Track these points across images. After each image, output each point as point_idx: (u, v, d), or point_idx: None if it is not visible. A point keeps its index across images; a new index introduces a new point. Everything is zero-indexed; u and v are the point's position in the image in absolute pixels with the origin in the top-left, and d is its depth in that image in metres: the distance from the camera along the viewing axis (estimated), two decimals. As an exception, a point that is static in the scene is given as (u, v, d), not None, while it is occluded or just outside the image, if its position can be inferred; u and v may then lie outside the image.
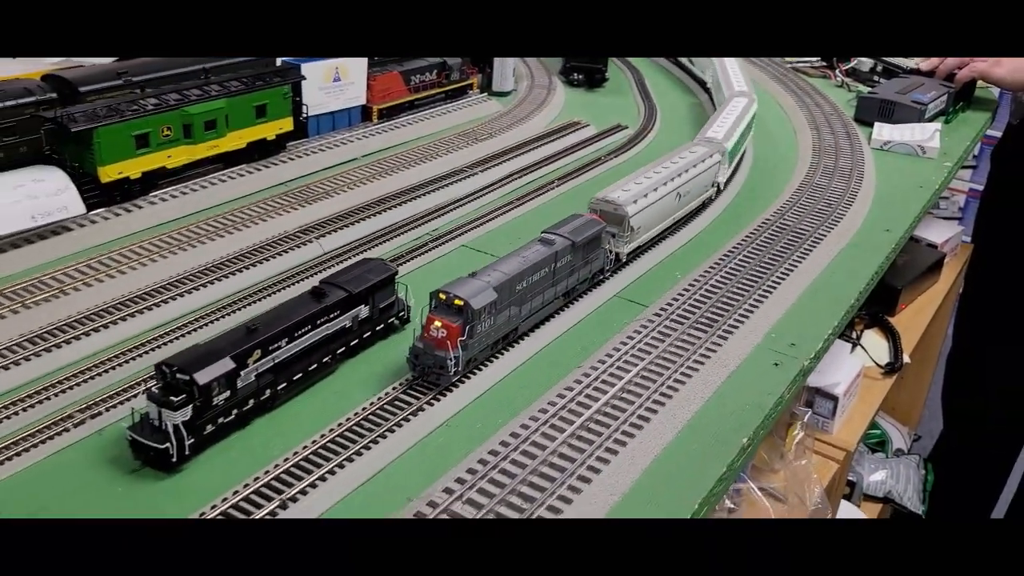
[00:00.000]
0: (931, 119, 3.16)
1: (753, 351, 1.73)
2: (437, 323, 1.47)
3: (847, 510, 3.02)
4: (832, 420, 2.55)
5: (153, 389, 1.31)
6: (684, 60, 3.63)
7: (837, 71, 3.69)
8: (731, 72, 3.03)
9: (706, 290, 1.91)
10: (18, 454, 1.30)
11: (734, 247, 2.13)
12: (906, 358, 2.99)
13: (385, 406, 1.45)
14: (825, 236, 2.23)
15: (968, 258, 3.79)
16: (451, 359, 1.46)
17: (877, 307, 3.15)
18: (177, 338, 1.59)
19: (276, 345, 1.43)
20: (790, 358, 1.72)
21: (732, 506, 2.11)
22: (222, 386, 1.33)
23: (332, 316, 1.53)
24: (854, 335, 2.95)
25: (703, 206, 2.31)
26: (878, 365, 2.88)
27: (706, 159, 2.25)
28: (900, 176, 2.73)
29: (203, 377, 1.29)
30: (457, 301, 1.48)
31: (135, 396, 1.42)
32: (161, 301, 1.69)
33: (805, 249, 2.14)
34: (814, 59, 3.86)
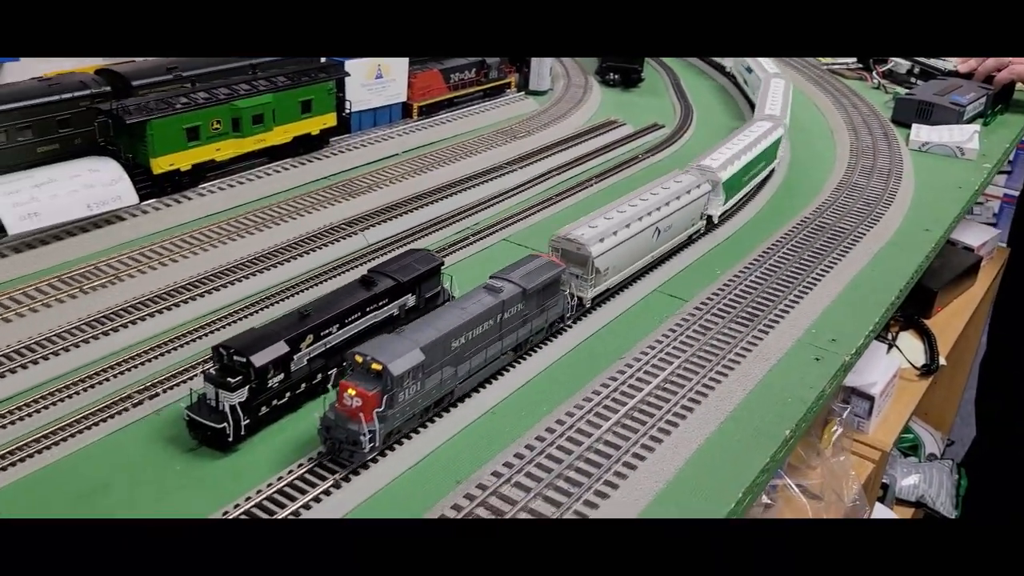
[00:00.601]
0: (969, 121, 3.14)
1: (794, 345, 1.74)
2: (351, 391, 1.27)
3: (880, 512, 3.01)
4: (868, 420, 2.55)
5: (211, 370, 1.35)
6: (737, 77, 3.59)
7: (874, 73, 3.67)
8: (770, 93, 2.84)
9: (746, 286, 1.92)
10: (80, 432, 1.35)
11: (773, 244, 2.14)
12: (942, 360, 2.97)
13: (432, 392, 1.48)
14: (864, 235, 2.24)
15: (1004, 262, 3.76)
16: (365, 434, 1.27)
17: (913, 309, 3.14)
18: (231, 323, 1.63)
19: (328, 331, 1.46)
20: (831, 353, 1.73)
21: (769, 502, 2.12)
22: (277, 369, 1.37)
23: (381, 304, 1.56)
24: (890, 336, 2.94)
25: (690, 240, 2.08)
26: (914, 366, 2.88)
27: (692, 189, 2.01)
28: (938, 177, 2.72)
29: (259, 360, 1.33)
30: (375, 365, 1.28)
31: (191, 378, 1.46)
32: (213, 288, 1.74)
33: (844, 247, 2.15)
34: (850, 61, 3.85)
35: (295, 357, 1.40)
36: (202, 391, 1.35)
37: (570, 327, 1.72)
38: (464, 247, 2.03)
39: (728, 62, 3.60)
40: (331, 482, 1.27)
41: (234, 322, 1.63)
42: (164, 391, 1.44)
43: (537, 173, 2.48)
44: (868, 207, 2.40)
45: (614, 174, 2.53)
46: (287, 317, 1.44)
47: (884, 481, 3.29)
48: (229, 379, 1.32)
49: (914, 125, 3.05)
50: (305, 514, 1.22)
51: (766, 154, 2.40)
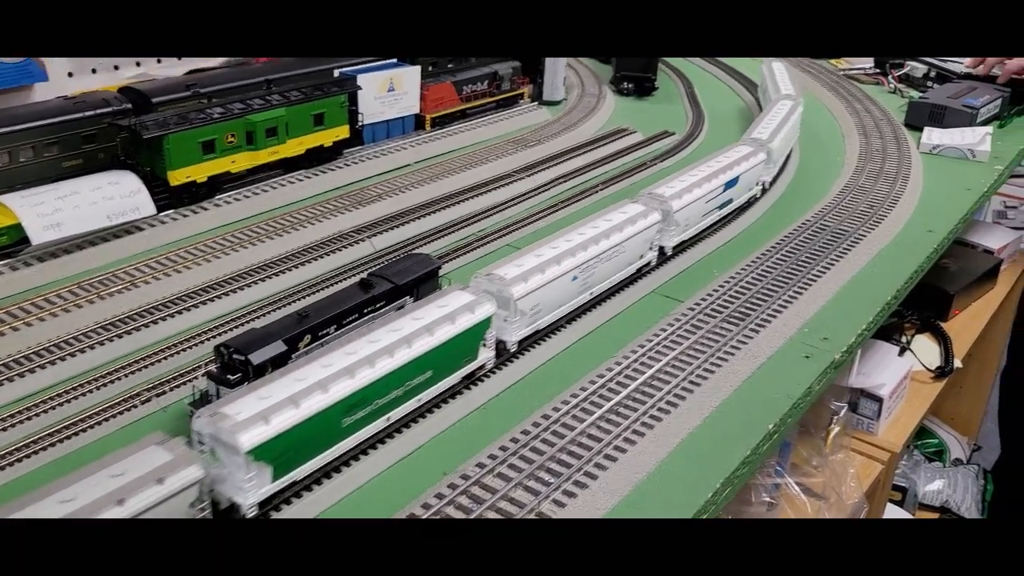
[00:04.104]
0: (984, 123, 3.14)
1: (785, 344, 1.77)
2: None
3: (893, 515, 3.01)
4: (877, 421, 2.56)
5: (212, 368, 1.43)
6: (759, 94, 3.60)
7: (889, 77, 3.68)
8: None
9: (742, 286, 1.96)
10: (91, 427, 1.43)
11: (773, 245, 2.17)
12: (958, 363, 2.97)
13: (426, 389, 1.54)
14: (866, 236, 2.26)
15: (1027, 266, 3.73)
16: None
17: (929, 312, 3.14)
18: (239, 326, 1.71)
19: (325, 331, 1.53)
20: (822, 351, 1.77)
21: (772, 501, 2.15)
22: (275, 367, 1.44)
23: (378, 306, 1.63)
24: (904, 339, 2.95)
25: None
26: (928, 369, 2.87)
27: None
28: (948, 179, 2.73)
29: (257, 357, 1.41)
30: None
31: (196, 377, 1.54)
32: (224, 294, 1.82)
33: (845, 248, 2.18)
34: (867, 66, 3.86)
35: (293, 356, 1.48)
36: (205, 388, 1.43)
37: (557, 333, 1.76)
38: (468, 252, 2.10)
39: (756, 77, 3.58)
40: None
41: (243, 324, 1.71)
42: (171, 389, 1.52)
43: (544, 181, 2.54)
44: (872, 209, 2.42)
45: (618, 181, 2.58)
46: (287, 318, 1.52)
47: (902, 484, 3.29)
48: (229, 376, 1.40)
49: (926, 128, 3.06)
50: (284, 509, 1.28)
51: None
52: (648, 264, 1.97)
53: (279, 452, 1.21)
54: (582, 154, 2.75)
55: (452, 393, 1.54)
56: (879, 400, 2.53)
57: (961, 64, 3.56)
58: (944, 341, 3.03)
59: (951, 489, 3.68)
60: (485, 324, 1.52)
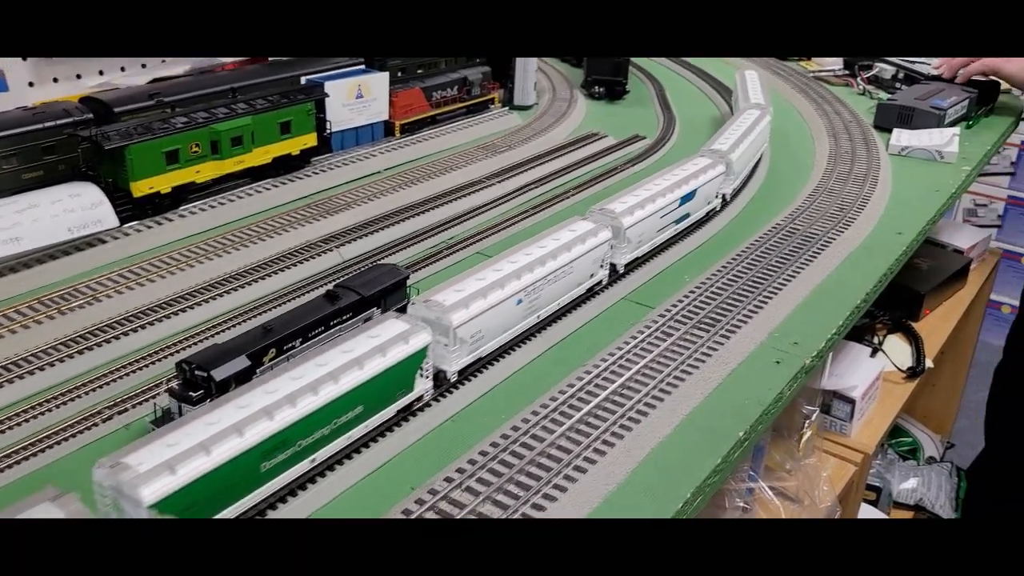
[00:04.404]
0: (951, 124, 3.16)
1: (756, 349, 1.77)
2: None
3: (867, 515, 3.02)
4: (850, 423, 2.57)
5: (174, 385, 1.40)
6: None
7: (859, 79, 3.70)
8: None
9: (712, 292, 1.96)
10: (50, 447, 1.40)
11: (743, 250, 2.17)
12: (929, 363, 2.99)
13: (394, 402, 1.52)
14: (835, 239, 2.27)
15: (996, 264, 3.77)
16: None
17: (900, 312, 3.16)
18: (203, 339, 1.68)
19: (290, 345, 1.51)
20: (792, 356, 1.76)
21: (745, 506, 2.15)
22: (239, 382, 1.41)
23: (345, 318, 1.61)
24: (876, 340, 2.96)
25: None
26: (900, 369, 2.89)
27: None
28: (916, 181, 2.74)
29: (220, 374, 1.38)
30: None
31: (158, 394, 1.51)
32: (188, 307, 1.79)
33: (814, 251, 2.18)
34: (836, 67, 3.88)
35: (258, 371, 1.45)
36: (167, 406, 1.40)
37: (531, 340, 1.75)
38: (438, 260, 2.08)
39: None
40: (288, 490, 1.31)
41: (208, 338, 1.68)
42: (134, 406, 1.49)
43: (516, 186, 2.53)
44: (842, 211, 2.43)
45: (590, 187, 2.57)
46: (251, 332, 1.49)
47: (876, 484, 3.31)
48: (191, 393, 1.37)
49: (894, 130, 3.08)
50: (292, 501, 1.26)
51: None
52: (600, 283, 1.89)
53: (188, 504, 1.12)
54: (552, 159, 2.74)
55: (423, 405, 1.52)
56: (851, 402, 2.54)
57: (929, 65, 3.58)
58: (915, 341, 3.05)
59: (925, 487, 3.70)
60: (421, 355, 1.46)
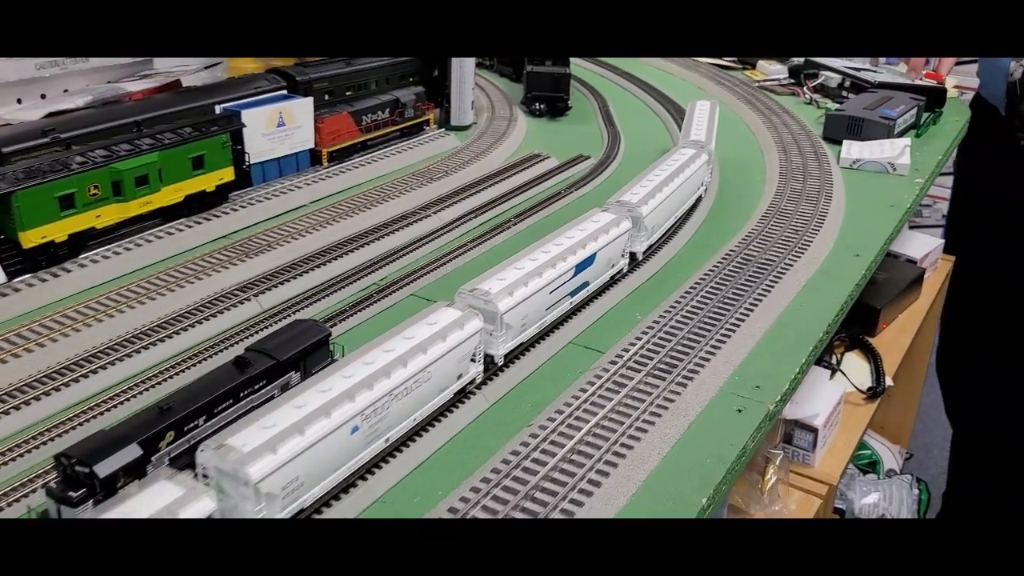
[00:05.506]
0: (901, 134, 3.08)
1: (716, 396, 1.63)
2: None
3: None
4: (813, 453, 2.45)
5: (52, 484, 1.21)
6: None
7: (805, 88, 3.62)
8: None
9: (666, 331, 1.81)
10: (-93, 561, 1.19)
11: (696, 282, 2.03)
12: (889, 380, 2.89)
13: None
14: (792, 265, 2.14)
15: (949, 271, 3.71)
16: None
17: (857, 328, 3.06)
18: (90, 419, 1.47)
19: (193, 424, 1.32)
20: (755, 402, 1.63)
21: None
22: (129, 476, 1.22)
23: (257, 387, 1.43)
24: (834, 360, 2.86)
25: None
26: (859, 390, 2.79)
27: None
28: (870, 196, 2.65)
29: (103, 469, 1.19)
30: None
31: (35, 490, 1.31)
32: (81, 376, 1.58)
33: (771, 281, 2.05)
34: (781, 76, 3.79)
35: (153, 459, 1.26)
36: (43, 507, 1.21)
37: (475, 393, 1.59)
38: (368, 306, 1.90)
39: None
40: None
41: (96, 417, 1.48)
42: (8, 505, 1.29)
43: (454, 217, 2.37)
44: (797, 234, 2.31)
45: (533, 213, 2.41)
46: (143, 413, 1.30)
47: (840, 506, 3.21)
48: (71, 493, 1.18)
49: (845, 142, 2.98)
50: None
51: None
52: (472, 381, 1.58)
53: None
54: (493, 185, 2.58)
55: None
56: (814, 431, 2.42)
57: (875, 72, 3.51)
58: (874, 359, 2.95)
59: (887, 502, 3.63)
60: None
